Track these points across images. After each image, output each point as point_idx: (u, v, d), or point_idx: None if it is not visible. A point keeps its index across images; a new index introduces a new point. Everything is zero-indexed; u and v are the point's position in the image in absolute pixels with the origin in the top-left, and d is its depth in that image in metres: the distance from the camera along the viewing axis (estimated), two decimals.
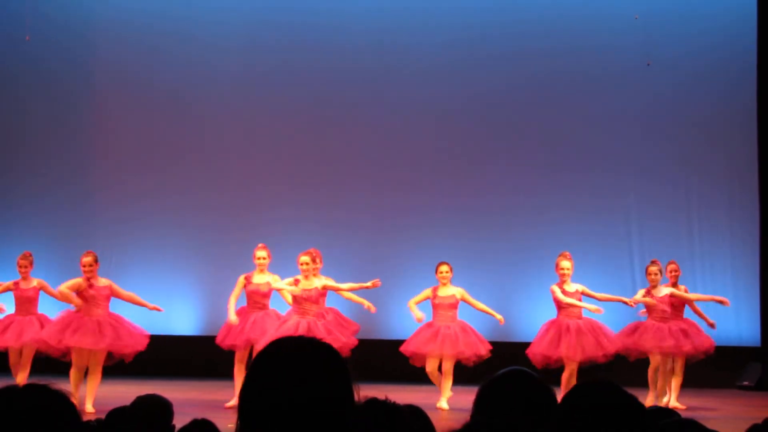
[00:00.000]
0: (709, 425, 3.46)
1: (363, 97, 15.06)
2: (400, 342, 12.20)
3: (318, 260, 11.36)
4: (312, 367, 2.18)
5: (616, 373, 11.52)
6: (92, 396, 10.93)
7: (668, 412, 4.59)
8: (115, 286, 11.34)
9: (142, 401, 4.66)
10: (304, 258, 11.27)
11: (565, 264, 11.53)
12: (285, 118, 15.09)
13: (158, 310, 11.55)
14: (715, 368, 13.99)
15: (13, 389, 2.34)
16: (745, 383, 14.09)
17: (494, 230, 14.55)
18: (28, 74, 15.35)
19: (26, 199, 15.21)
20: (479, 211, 14.70)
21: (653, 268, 11.85)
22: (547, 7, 14.93)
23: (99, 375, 11.04)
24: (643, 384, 11.57)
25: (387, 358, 12.87)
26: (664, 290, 11.89)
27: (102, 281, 11.25)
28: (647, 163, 14.68)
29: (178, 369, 14.20)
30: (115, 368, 12.07)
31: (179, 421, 4.54)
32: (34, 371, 11.46)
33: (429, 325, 11.68)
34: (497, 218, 14.68)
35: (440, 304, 11.61)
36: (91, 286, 11.14)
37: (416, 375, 13.10)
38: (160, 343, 12.07)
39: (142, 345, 11.24)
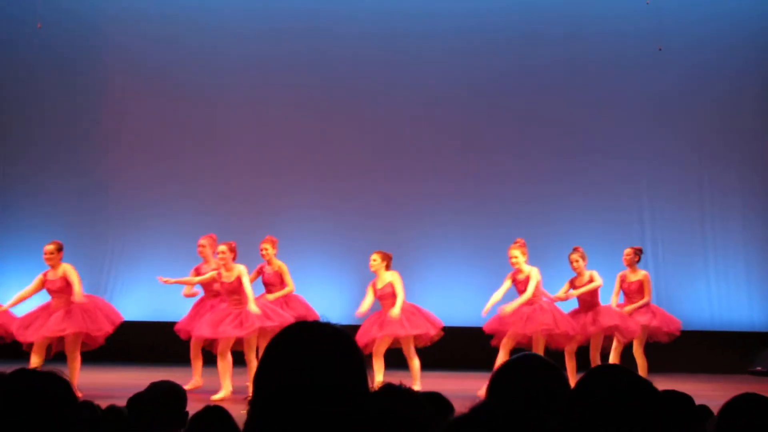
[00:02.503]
0: (717, 411, 3.45)
1: (374, 84, 15.04)
2: None
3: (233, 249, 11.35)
4: (326, 352, 2.18)
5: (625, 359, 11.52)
6: (74, 382, 10.91)
7: (683, 397, 4.59)
8: (72, 274, 11.14)
9: (157, 387, 4.67)
10: (221, 247, 11.28)
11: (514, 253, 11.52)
12: (297, 107, 15.08)
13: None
14: (728, 354, 14.01)
15: (20, 374, 2.35)
16: (758, 368, 14.08)
17: (505, 218, 14.53)
18: (40, 62, 15.36)
19: (39, 188, 15.22)
20: (490, 198, 14.68)
21: (573, 256, 11.71)
22: None
23: (77, 360, 10.95)
24: (655, 369, 11.56)
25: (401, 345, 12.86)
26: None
27: (61, 269, 11.08)
28: (659, 149, 14.65)
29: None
30: (126, 355, 12.15)
31: (192, 408, 4.56)
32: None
33: (377, 313, 11.57)
34: (508, 206, 14.66)
35: (381, 295, 11.52)
36: (45, 275, 11.10)
37: (432, 362, 13.13)
38: (172, 330, 12.05)
39: (109, 328, 11.14)
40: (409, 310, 11.43)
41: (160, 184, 15.06)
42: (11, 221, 15.14)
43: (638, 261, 12.04)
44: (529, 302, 11.28)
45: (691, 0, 14.75)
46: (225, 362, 11.14)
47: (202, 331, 11.14)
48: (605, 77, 14.80)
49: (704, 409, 4.93)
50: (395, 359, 11.69)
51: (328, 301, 12.31)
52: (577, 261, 11.59)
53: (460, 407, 2.13)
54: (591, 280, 11.57)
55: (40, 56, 15.34)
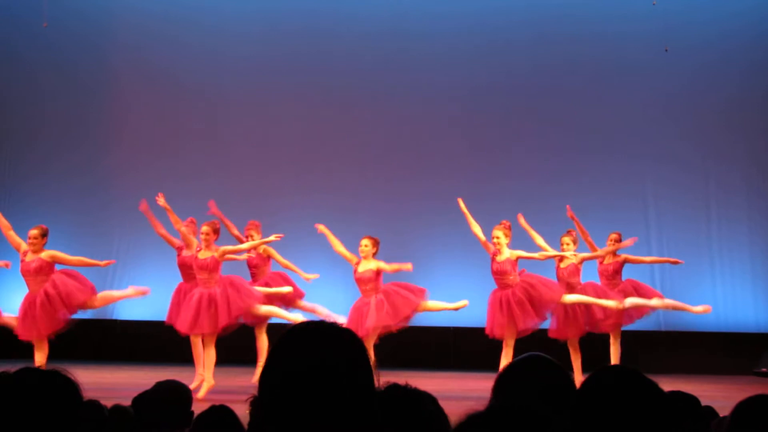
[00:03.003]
0: (725, 413, 3.45)
1: (377, 84, 15.03)
2: (418, 328, 12.21)
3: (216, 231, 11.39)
4: (332, 351, 2.18)
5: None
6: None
7: (689, 398, 4.59)
8: (59, 256, 11.15)
9: (162, 387, 4.67)
10: (204, 228, 11.34)
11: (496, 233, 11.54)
12: (300, 106, 15.08)
13: (111, 263, 11.56)
14: (733, 354, 14.00)
15: (25, 372, 2.35)
16: (763, 369, 14.06)
17: (510, 216, 14.51)
18: (45, 61, 15.38)
19: (43, 186, 15.25)
20: (496, 196, 14.66)
21: (564, 239, 11.77)
22: None
23: (44, 348, 10.92)
24: (660, 369, 11.55)
25: (406, 344, 12.88)
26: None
27: (42, 253, 11.06)
28: (665, 149, 14.63)
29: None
30: (131, 354, 12.15)
31: (198, 407, 4.56)
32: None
33: (358, 307, 11.55)
34: (515, 203, 14.62)
35: (360, 279, 11.51)
36: (22, 261, 11.08)
37: (434, 361, 13.15)
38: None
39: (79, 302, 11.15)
40: (379, 302, 11.38)
41: (164, 182, 15.04)
42: (15, 220, 15.08)
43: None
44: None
45: (697, 1, 14.74)
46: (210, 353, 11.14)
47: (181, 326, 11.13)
48: (611, 77, 14.78)
49: (709, 410, 4.92)
50: (397, 360, 11.69)
51: (330, 300, 12.28)
52: (567, 245, 11.66)
53: (465, 408, 2.13)
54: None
55: (45, 55, 15.36)
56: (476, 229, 11.51)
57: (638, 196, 14.65)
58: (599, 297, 11.53)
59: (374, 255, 11.52)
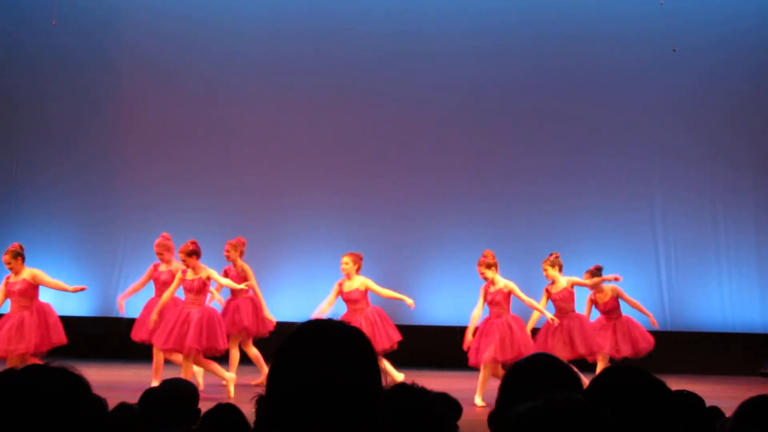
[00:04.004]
0: (731, 413, 3.44)
1: (388, 83, 15.02)
2: (426, 328, 12.20)
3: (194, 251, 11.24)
4: (340, 350, 2.18)
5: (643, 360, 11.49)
6: None
7: (695, 398, 4.58)
8: (40, 276, 11.08)
9: (169, 385, 4.68)
10: (181, 256, 11.20)
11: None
12: (309, 107, 15.08)
13: (83, 289, 11.36)
14: (739, 355, 13.97)
15: (31, 370, 2.35)
16: None
17: (518, 216, 14.52)
18: (54, 59, 15.41)
19: (52, 183, 15.28)
20: (504, 197, 14.66)
21: (544, 264, 11.51)
22: None
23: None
24: (666, 370, 11.52)
25: (413, 344, 12.87)
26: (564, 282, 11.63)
27: (24, 273, 11.03)
28: (672, 150, 14.61)
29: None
30: (137, 352, 12.14)
31: (204, 405, 4.56)
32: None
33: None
34: (522, 204, 14.64)
35: (347, 298, 11.45)
36: (6, 283, 11.08)
37: (441, 361, 13.14)
38: None
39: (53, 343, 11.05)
40: (369, 322, 11.31)
41: (171, 182, 15.08)
42: (23, 219, 15.18)
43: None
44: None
45: (705, 1, 14.71)
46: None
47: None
48: (619, 77, 14.76)
49: (715, 410, 4.92)
50: (405, 360, 11.69)
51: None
52: (545, 270, 11.51)
53: (471, 408, 2.12)
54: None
55: (53, 54, 15.39)
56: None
57: (645, 197, 14.62)
58: (585, 333, 11.37)
59: (358, 271, 11.44)
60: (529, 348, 10.72)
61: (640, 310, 11.68)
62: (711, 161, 14.58)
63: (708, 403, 4.85)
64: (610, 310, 11.67)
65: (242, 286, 11.60)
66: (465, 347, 11.03)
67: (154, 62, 15.37)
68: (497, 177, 14.77)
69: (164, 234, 12.05)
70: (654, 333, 11.88)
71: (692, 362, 13.64)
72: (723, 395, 11.29)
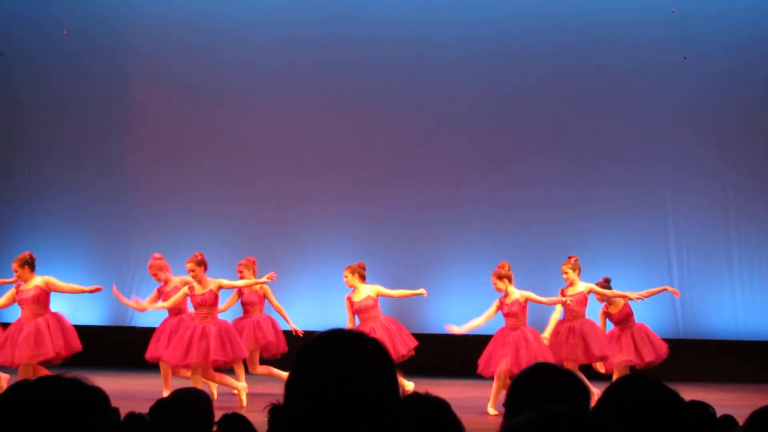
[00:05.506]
0: (742, 421, 3.43)
1: (401, 90, 15.01)
2: (438, 336, 12.17)
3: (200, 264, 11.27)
4: (359, 360, 2.18)
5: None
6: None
7: (706, 407, 4.57)
8: (53, 282, 11.14)
9: (181, 394, 4.67)
10: (189, 265, 11.21)
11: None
12: (321, 114, 15.09)
13: (98, 289, 11.32)
14: (753, 363, 13.92)
15: (45, 381, 2.34)
16: None
17: (530, 224, 14.50)
18: (65, 68, 15.46)
19: (63, 192, 15.32)
20: (515, 204, 14.64)
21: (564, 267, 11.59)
22: (584, 0, 14.86)
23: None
24: (679, 378, 11.49)
25: (425, 353, 12.86)
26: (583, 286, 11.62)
27: (35, 281, 11.09)
28: (684, 157, 14.58)
29: None
30: (149, 364, 12.14)
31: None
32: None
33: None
34: (533, 211, 14.62)
35: (359, 309, 11.42)
36: (17, 291, 11.11)
37: (453, 370, 13.12)
38: None
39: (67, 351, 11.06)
40: (385, 329, 11.30)
41: (182, 189, 15.11)
42: (35, 229, 15.22)
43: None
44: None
45: (716, 8, 14.68)
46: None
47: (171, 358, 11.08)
48: (631, 84, 14.73)
49: (729, 418, 4.90)
50: (417, 368, 11.67)
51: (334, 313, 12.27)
52: (565, 273, 11.55)
53: (483, 416, 2.13)
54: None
55: (64, 62, 15.44)
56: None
57: (657, 204, 14.58)
58: (599, 336, 11.37)
59: (362, 280, 11.46)
60: (547, 359, 10.69)
61: (628, 298, 11.60)
62: (723, 168, 14.54)
63: (721, 411, 4.83)
64: (624, 318, 11.64)
65: (264, 279, 11.60)
66: (449, 329, 11.21)
67: (165, 71, 15.40)
68: (511, 184, 14.75)
69: (155, 255, 12.08)
70: (666, 341, 11.85)
71: (705, 370, 13.59)
72: (736, 403, 11.25)
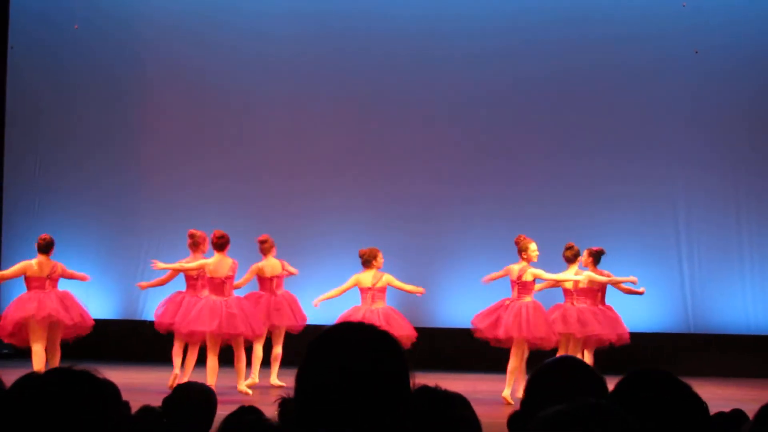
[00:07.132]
0: (752, 415, 3.42)
1: (411, 85, 14.99)
2: (445, 330, 12.17)
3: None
4: (370, 352, 2.18)
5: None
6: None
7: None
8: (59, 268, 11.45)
9: (189, 388, 4.68)
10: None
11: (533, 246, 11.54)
12: (331, 107, 15.09)
13: (85, 278, 11.66)
14: (764, 358, 13.90)
15: (58, 373, 2.34)
16: None
17: (540, 219, 14.47)
18: (76, 62, 15.47)
19: (74, 187, 15.33)
20: (525, 199, 14.62)
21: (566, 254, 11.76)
22: None
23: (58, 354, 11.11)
24: (690, 373, 11.46)
25: (434, 346, 12.88)
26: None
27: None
28: (695, 152, 14.54)
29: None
30: (161, 355, 12.18)
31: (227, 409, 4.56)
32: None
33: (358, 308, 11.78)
34: (542, 207, 14.60)
35: (378, 289, 11.73)
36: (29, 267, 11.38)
37: (462, 363, 13.12)
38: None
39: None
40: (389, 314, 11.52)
41: (194, 185, 15.11)
42: (46, 222, 15.24)
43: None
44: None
45: (728, 2, 14.62)
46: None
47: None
48: (641, 79, 14.69)
49: (739, 413, 4.90)
50: (427, 362, 11.67)
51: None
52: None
53: (495, 410, 2.12)
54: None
55: (76, 57, 15.45)
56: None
57: (668, 200, 14.55)
58: (604, 315, 11.46)
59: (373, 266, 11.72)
60: (549, 328, 11.05)
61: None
62: (734, 164, 14.50)
63: (732, 406, 4.83)
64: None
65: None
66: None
67: (177, 64, 15.41)
68: (518, 180, 14.73)
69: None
70: (677, 336, 11.85)
71: (715, 364, 13.58)
72: (746, 398, 11.25)
